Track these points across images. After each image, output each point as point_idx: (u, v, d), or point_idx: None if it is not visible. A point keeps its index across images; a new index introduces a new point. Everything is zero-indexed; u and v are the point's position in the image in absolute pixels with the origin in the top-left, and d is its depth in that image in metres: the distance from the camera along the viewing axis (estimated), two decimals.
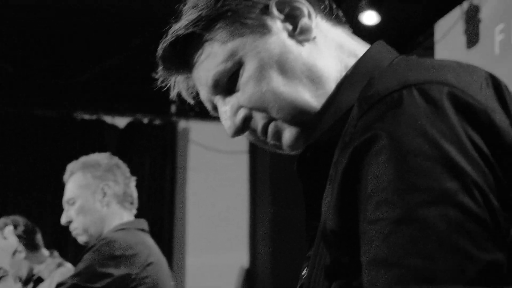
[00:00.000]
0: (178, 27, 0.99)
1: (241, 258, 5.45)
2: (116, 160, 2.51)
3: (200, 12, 0.98)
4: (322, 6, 1.02)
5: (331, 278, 0.83)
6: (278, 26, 0.98)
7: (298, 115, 0.96)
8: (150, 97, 5.26)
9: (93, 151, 5.19)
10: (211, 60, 0.98)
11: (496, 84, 0.83)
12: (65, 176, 2.49)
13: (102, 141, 5.11)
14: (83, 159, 2.48)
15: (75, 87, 4.84)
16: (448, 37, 3.95)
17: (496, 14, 3.59)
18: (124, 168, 2.51)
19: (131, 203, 2.52)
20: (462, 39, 3.77)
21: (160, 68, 1.04)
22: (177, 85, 1.07)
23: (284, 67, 0.95)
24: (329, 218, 0.81)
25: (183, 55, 1.01)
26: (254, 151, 5.59)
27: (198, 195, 5.50)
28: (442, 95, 0.77)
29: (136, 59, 4.59)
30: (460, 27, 3.81)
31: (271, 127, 0.98)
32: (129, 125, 5.23)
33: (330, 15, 1.03)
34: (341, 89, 0.95)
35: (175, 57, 1.01)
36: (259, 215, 5.50)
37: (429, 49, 4.13)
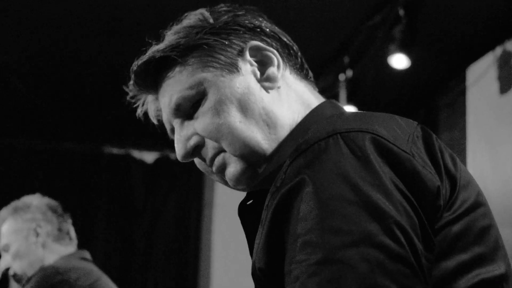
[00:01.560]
0: (157, 49, 1.06)
1: None
2: (46, 200, 2.53)
3: (179, 40, 1.05)
4: (293, 61, 1.11)
5: None
6: (247, 68, 1.05)
7: (247, 153, 1.02)
8: None
9: (121, 186, 5.24)
10: (178, 84, 1.04)
11: (426, 135, 0.89)
12: None
13: (130, 176, 5.13)
14: (14, 203, 2.53)
15: (105, 121, 4.87)
16: (480, 82, 3.89)
17: None
18: (57, 206, 2.53)
19: (70, 239, 2.50)
20: (495, 84, 3.72)
21: (131, 82, 1.10)
22: (146, 104, 1.14)
23: (244, 106, 1.02)
24: (257, 257, 0.87)
25: (154, 75, 1.08)
26: None
27: (225, 231, 5.46)
28: (365, 141, 0.83)
29: None
30: (493, 72, 3.76)
31: (218, 158, 1.04)
32: (157, 160, 5.25)
33: (299, 69, 1.11)
34: (286, 140, 1.02)
35: (147, 75, 1.07)
36: None
37: (461, 95, 4.07)
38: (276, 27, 1.12)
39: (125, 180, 5.11)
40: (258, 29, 1.08)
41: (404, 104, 4.40)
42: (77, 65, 4.29)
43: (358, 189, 0.79)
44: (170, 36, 1.08)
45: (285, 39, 1.11)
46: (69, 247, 2.50)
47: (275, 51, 1.07)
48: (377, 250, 0.76)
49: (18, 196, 2.58)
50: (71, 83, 4.52)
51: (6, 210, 2.52)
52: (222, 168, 1.04)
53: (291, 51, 1.11)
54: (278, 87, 1.06)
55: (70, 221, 2.56)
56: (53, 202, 2.54)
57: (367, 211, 0.78)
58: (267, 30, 1.09)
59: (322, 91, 1.19)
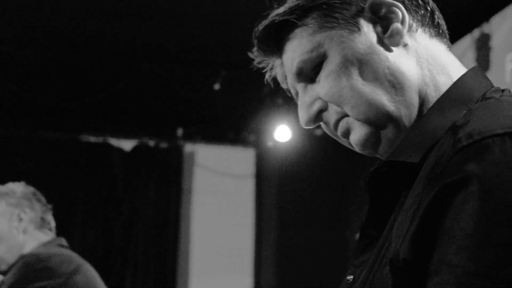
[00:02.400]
0: (277, 13, 1.01)
1: (245, 282, 5.39)
2: (31, 188, 2.52)
3: (298, 2, 1.00)
4: (421, 13, 1.01)
5: None
6: (369, 26, 0.98)
7: (372, 116, 0.96)
8: (156, 120, 5.27)
9: (99, 174, 5.21)
10: (298, 48, 1.00)
11: None
12: None
13: (108, 164, 5.10)
14: None
15: (83, 109, 4.83)
16: None
17: (507, 43, 3.56)
18: (40, 196, 2.52)
19: (50, 230, 2.49)
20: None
21: (255, 47, 1.06)
22: (274, 69, 1.09)
23: (367, 67, 0.96)
24: (403, 247, 0.80)
25: (276, 39, 1.03)
26: (260, 175, 5.56)
27: (203, 218, 5.46)
28: None
29: (144, 83, 4.58)
30: (471, 54, 3.78)
31: (342, 123, 0.99)
32: (135, 148, 5.22)
33: (429, 24, 1.02)
34: (431, 111, 0.95)
35: (269, 39, 1.03)
36: (264, 240, 5.45)
37: None
38: None
39: (103, 168, 5.08)
40: None
41: None
42: (53, 52, 4.24)
43: None
44: None
45: None
46: (49, 236, 2.48)
47: (399, 4, 0.98)
48: None
49: None
50: (48, 71, 4.47)
51: None
52: (347, 133, 0.99)
53: (420, 2, 1.01)
54: (405, 45, 0.98)
55: (51, 212, 2.55)
56: (38, 193, 2.53)
57: None
58: None
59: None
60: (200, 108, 5.04)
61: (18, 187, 2.48)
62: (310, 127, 1.03)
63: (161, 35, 4.06)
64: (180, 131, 5.25)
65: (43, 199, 2.52)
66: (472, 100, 0.92)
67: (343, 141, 1.02)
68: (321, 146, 4.92)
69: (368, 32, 0.98)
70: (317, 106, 1.00)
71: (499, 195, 0.73)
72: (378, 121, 0.96)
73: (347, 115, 0.98)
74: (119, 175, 5.10)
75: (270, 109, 4.75)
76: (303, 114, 1.01)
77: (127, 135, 5.21)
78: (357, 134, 0.97)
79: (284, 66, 1.05)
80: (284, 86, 1.09)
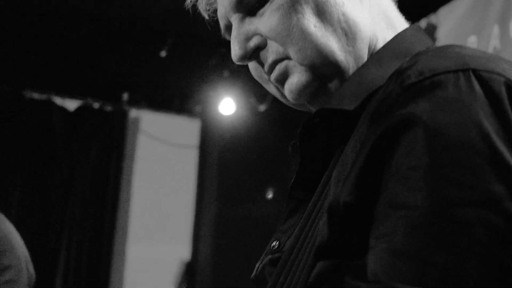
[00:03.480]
0: None
1: (183, 252, 5.43)
2: None
3: None
4: None
5: (322, 256, 0.75)
6: None
7: (318, 63, 0.87)
8: (103, 83, 5.20)
9: (41, 132, 5.09)
10: None
11: None
12: None
13: (50, 122, 5.00)
14: None
15: (27, 64, 4.72)
16: None
17: (453, 34, 3.65)
18: None
19: None
20: None
21: None
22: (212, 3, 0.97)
23: (321, 9, 0.87)
24: (345, 190, 0.72)
25: None
26: (204, 146, 5.57)
27: (144, 186, 5.45)
28: (501, 87, 0.69)
29: (94, 43, 4.51)
30: None
31: (280, 66, 0.90)
32: (79, 108, 5.14)
33: None
34: (369, 61, 0.88)
35: None
36: (204, 211, 5.48)
37: None
38: None
39: (45, 126, 4.99)
40: None
41: None
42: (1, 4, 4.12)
43: (490, 141, 0.66)
44: None
45: None
46: None
47: None
48: (500, 218, 0.64)
49: None
50: None
51: None
52: (283, 77, 0.90)
53: None
54: None
55: None
56: None
57: (496, 169, 0.65)
58: None
59: None
60: (147, 74, 5.00)
61: None
62: (242, 63, 0.93)
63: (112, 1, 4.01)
64: (125, 96, 5.20)
65: None
66: (413, 54, 0.84)
67: (271, 87, 0.95)
68: (265, 121, 4.96)
69: None
70: (254, 42, 0.91)
71: (456, 133, 0.67)
72: (324, 69, 0.88)
73: (288, 58, 0.89)
74: (61, 135, 5.02)
75: (216, 81, 4.76)
76: (238, 48, 0.90)
77: (71, 95, 5.13)
78: (296, 80, 0.89)
79: None
80: (205, 16, 0.99)
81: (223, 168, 5.35)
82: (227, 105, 4.88)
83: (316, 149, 0.86)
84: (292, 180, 0.90)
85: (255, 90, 4.60)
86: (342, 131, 0.81)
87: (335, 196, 0.73)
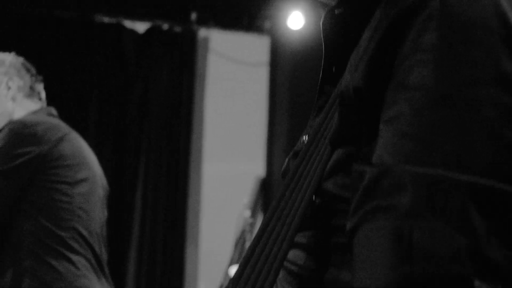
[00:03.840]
0: None
1: (257, 168, 5.51)
2: (21, 59, 2.52)
3: None
4: None
5: (336, 143, 0.75)
6: None
7: None
8: (170, 3, 5.18)
9: (111, 55, 5.19)
10: None
11: None
12: None
13: (120, 46, 5.07)
14: None
15: None
16: None
17: None
18: (30, 66, 2.53)
19: (39, 99, 2.52)
20: None
21: None
22: None
23: None
24: (357, 75, 0.71)
25: None
26: (275, 63, 5.53)
27: (216, 105, 5.50)
28: None
29: None
30: None
31: None
32: (148, 30, 5.17)
33: None
34: None
35: None
36: (276, 127, 5.50)
37: None
38: None
39: (115, 50, 5.06)
40: None
41: None
42: None
43: (506, 20, 0.64)
44: None
45: None
46: (38, 105, 2.52)
47: None
48: None
49: None
50: None
51: None
52: None
53: None
54: None
55: (42, 84, 2.57)
56: (29, 64, 2.53)
57: (511, 48, 0.63)
58: None
59: None
60: None
61: (7, 57, 2.50)
62: None
63: None
64: (194, 15, 5.18)
65: (33, 70, 2.53)
66: None
67: None
68: None
69: None
70: None
71: (476, 14, 0.65)
72: None
73: None
74: (132, 58, 5.09)
75: None
76: None
77: (141, 17, 5.15)
78: None
79: None
80: None
81: (294, 84, 5.31)
82: (296, 19, 4.78)
83: (338, 39, 0.84)
84: (320, 76, 0.89)
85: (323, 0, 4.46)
86: (361, 18, 0.78)
87: (346, 83, 0.72)
